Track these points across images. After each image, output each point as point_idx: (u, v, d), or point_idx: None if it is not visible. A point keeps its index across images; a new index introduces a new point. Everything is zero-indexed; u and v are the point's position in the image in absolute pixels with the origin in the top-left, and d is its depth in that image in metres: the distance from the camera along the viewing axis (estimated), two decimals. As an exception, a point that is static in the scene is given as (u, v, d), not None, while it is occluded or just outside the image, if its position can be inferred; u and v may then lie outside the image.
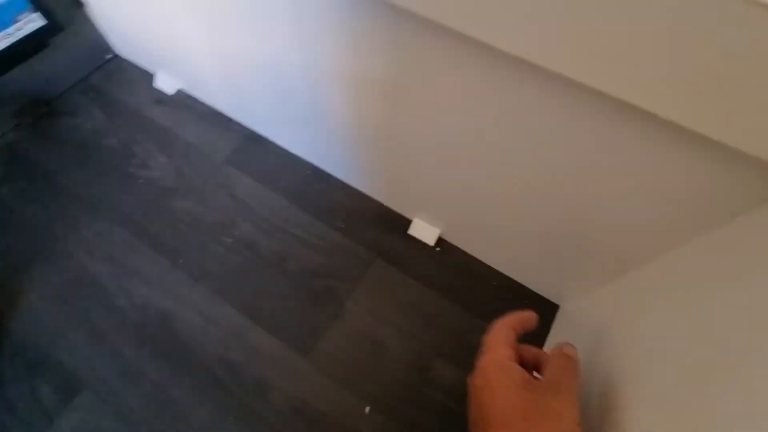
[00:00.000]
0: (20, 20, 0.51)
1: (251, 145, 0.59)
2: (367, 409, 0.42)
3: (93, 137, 0.59)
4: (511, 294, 0.48)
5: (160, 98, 0.63)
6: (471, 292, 0.48)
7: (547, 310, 0.47)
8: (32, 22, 0.52)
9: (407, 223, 0.52)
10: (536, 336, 0.38)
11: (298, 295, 0.48)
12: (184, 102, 0.62)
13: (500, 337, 0.27)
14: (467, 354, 0.31)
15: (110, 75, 0.65)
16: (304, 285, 0.49)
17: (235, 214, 0.53)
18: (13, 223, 0.52)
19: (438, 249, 0.51)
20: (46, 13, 0.52)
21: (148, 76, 0.65)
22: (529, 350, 0.28)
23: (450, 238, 0.51)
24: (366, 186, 0.54)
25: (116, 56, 0.67)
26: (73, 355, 0.44)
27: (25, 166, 0.56)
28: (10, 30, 0.50)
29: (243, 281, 0.49)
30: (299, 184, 0.55)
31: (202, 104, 0.62)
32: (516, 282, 0.49)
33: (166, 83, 0.63)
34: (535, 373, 0.27)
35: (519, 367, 0.26)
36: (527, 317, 0.29)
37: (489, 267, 0.50)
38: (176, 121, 0.61)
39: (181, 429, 0.41)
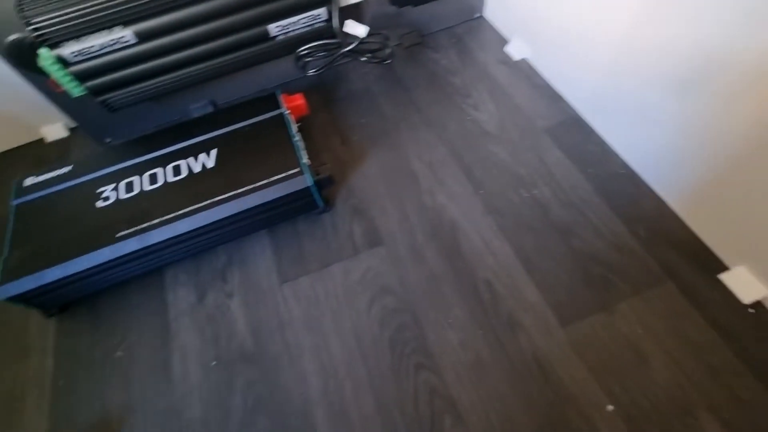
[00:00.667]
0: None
1: (572, 127, 0.61)
2: (610, 407, 0.41)
3: (444, 72, 0.71)
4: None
5: (506, 60, 0.71)
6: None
7: None
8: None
9: (722, 267, 0.47)
10: None
11: (573, 270, 0.49)
12: (524, 70, 0.69)
13: None
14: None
15: (472, 30, 0.77)
16: (581, 264, 0.50)
17: (538, 176, 0.57)
18: (376, 110, 0.68)
19: (752, 310, 0.44)
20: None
21: (501, 41, 0.74)
22: None
23: (771, 307, 0.44)
24: (684, 210, 0.51)
25: (481, 17, 0.78)
26: (383, 217, 0.56)
27: (393, 75, 0.72)
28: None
29: (527, 233, 0.53)
30: (608, 178, 0.56)
31: (540, 77, 0.68)
32: None
33: (515, 49, 0.71)
34: None
35: None
36: None
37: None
38: (513, 82, 0.68)
39: (439, 316, 0.48)
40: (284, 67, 0.70)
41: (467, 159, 0.60)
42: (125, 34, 0.51)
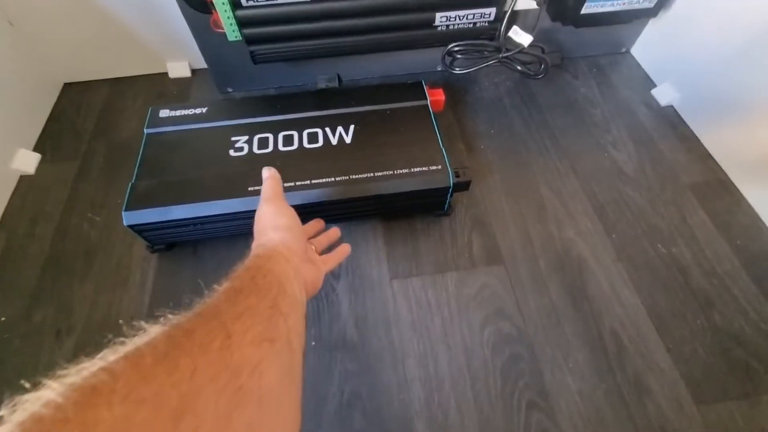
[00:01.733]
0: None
1: (720, 190, 0.57)
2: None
3: (582, 100, 0.68)
4: None
5: (650, 103, 0.67)
6: None
7: None
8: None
9: None
10: None
11: (711, 345, 0.45)
12: (670, 117, 0.65)
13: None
14: None
15: (616, 64, 0.73)
16: (720, 342, 0.45)
17: (678, 234, 0.53)
18: (506, 123, 0.65)
19: None
20: None
21: (646, 81, 0.70)
22: None
23: None
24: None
25: (628, 52, 0.75)
26: (504, 235, 0.53)
27: (526, 90, 0.69)
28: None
29: (661, 291, 0.49)
30: (759, 255, 0.51)
31: (688, 128, 0.63)
32: None
33: (663, 94, 0.67)
34: None
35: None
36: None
37: None
38: (657, 127, 0.64)
39: (557, 355, 0.45)
40: (422, 59, 0.68)
41: (601, 197, 0.56)
42: (304, -11, 0.50)
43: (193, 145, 0.52)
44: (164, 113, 0.54)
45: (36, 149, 0.62)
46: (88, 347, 0.46)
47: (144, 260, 0.52)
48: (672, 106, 0.66)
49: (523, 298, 0.49)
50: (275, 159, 0.50)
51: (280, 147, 0.51)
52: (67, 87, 0.71)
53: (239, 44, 0.56)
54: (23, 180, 0.59)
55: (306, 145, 0.51)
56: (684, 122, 0.64)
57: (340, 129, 0.53)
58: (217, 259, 0.52)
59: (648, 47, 0.71)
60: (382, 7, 0.53)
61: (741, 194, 0.56)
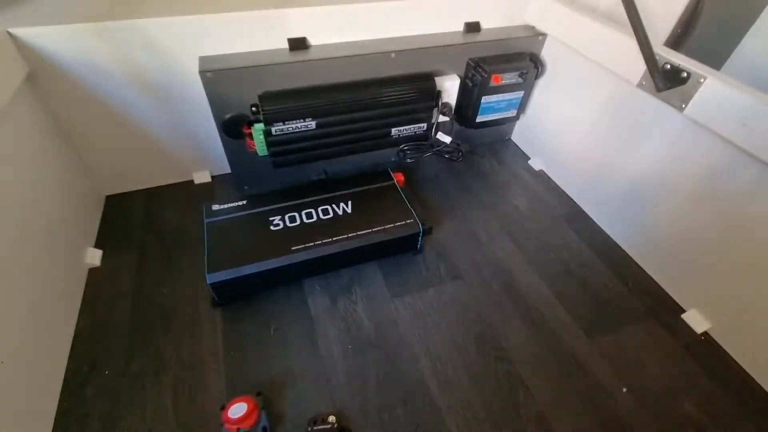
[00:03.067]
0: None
1: (578, 215, 0.92)
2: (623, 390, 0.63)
3: (488, 172, 1.03)
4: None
5: (529, 170, 1.05)
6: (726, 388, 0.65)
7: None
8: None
9: (681, 310, 0.74)
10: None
11: (586, 295, 0.74)
12: (543, 177, 1.02)
13: None
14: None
15: (504, 147, 1.12)
16: (593, 295, 0.75)
17: (561, 245, 0.85)
18: (444, 191, 0.97)
19: (702, 338, 0.70)
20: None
21: (525, 156, 1.09)
22: None
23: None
24: (657, 275, 0.79)
25: (510, 139, 1.15)
26: (458, 260, 0.81)
27: (452, 170, 1.03)
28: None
29: (557, 279, 0.78)
30: (600, 245, 0.84)
31: (554, 182, 1.01)
32: None
33: (535, 163, 1.05)
34: None
35: None
36: None
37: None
38: (536, 184, 1.00)
39: (506, 326, 0.70)
40: (380, 155, 1.00)
41: (513, 230, 0.88)
42: (311, 123, 0.79)
43: (244, 226, 0.74)
44: (216, 207, 0.77)
45: (97, 246, 0.79)
46: (183, 383, 0.61)
47: (210, 312, 0.70)
48: (543, 170, 1.04)
49: (478, 297, 0.75)
50: (303, 229, 0.74)
51: (305, 220, 0.76)
52: (108, 198, 0.90)
53: (258, 158, 0.82)
54: (92, 272, 0.75)
55: (322, 217, 0.77)
56: (551, 180, 1.02)
57: (342, 204, 0.79)
58: (267, 304, 0.72)
59: (519, 135, 1.12)
60: (359, 128, 0.84)
61: (588, 215, 0.92)
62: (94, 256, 0.77)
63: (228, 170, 0.91)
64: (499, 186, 0.99)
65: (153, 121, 0.84)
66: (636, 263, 0.82)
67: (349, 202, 0.80)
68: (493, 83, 0.88)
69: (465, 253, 0.83)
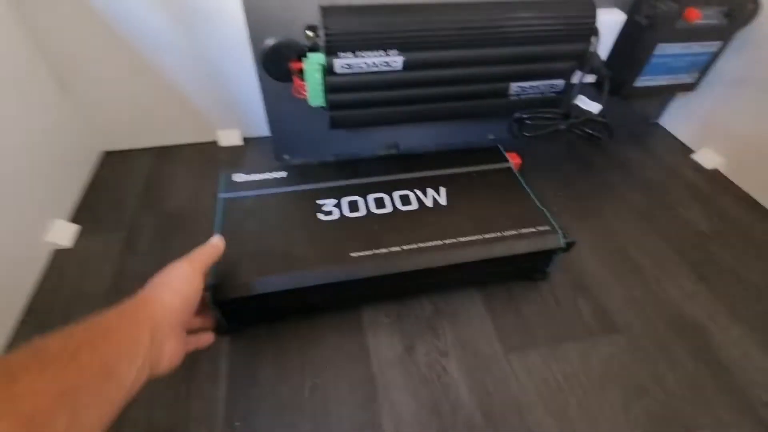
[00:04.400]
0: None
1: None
2: None
3: (636, 166, 0.70)
4: None
5: (697, 168, 0.70)
6: None
7: None
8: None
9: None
10: None
11: None
12: (720, 180, 0.68)
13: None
14: None
15: (648, 133, 0.78)
16: None
17: (779, 291, 0.52)
18: (571, 187, 0.65)
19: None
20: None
21: (683, 147, 0.75)
22: None
23: None
24: None
25: (656, 123, 0.80)
26: (609, 299, 0.50)
27: (581, 158, 0.71)
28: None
29: None
30: None
31: (740, 189, 0.66)
32: None
33: (705, 158, 0.71)
34: None
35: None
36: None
37: None
38: (711, 189, 0.66)
39: (720, 436, 0.39)
40: (475, 129, 0.70)
41: (691, 256, 0.55)
42: (397, 59, 0.50)
43: (276, 210, 0.47)
44: (239, 177, 0.50)
45: (73, 221, 0.55)
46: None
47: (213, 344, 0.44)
48: (718, 170, 0.70)
49: (656, 370, 0.44)
50: (371, 223, 0.46)
51: (373, 209, 0.48)
52: (107, 156, 0.66)
53: (308, 112, 0.55)
54: (58, 255, 0.51)
55: (400, 207, 0.48)
56: (734, 184, 0.67)
57: (430, 191, 0.50)
58: (301, 341, 0.45)
59: (679, 118, 0.77)
60: (467, 76, 0.54)
61: (817, 249, 0.57)
62: (63, 233, 0.53)
63: (266, 132, 0.64)
64: (653, 187, 0.66)
65: (167, 52, 0.59)
66: None
67: (442, 190, 0.51)
68: (684, 21, 0.55)
69: (618, 286, 0.51)
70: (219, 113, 0.68)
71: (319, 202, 0.48)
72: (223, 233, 0.43)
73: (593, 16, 0.54)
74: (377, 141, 0.67)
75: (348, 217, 0.47)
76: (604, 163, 0.71)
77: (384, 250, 0.43)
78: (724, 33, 0.59)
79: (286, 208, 0.48)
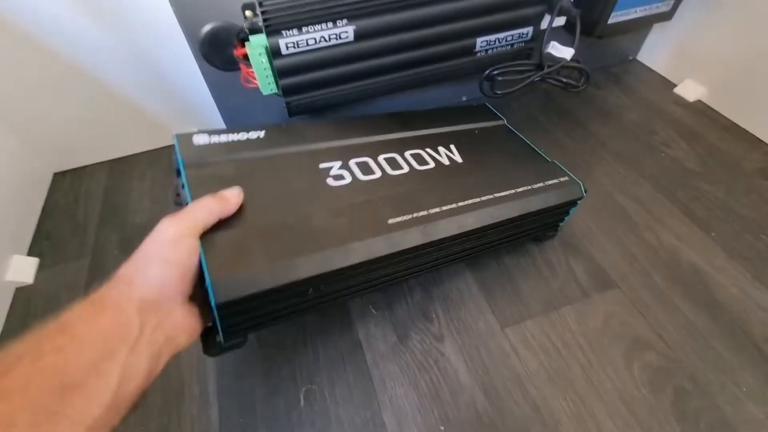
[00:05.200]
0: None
1: (786, 170, 0.56)
2: None
3: (616, 108, 0.67)
4: None
5: (679, 101, 0.67)
6: None
7: None
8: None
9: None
10: None
11: None
12: (704, 111, 0.65)
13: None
14: None
15: (629, 71, 0.74)
16: None
17: (773, 221, 0.50)
18: (553, 141, 0.62)
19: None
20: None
21: (664, 81, 0.71)
22: None
23: None
24: None
25: (635, 59, 0.76)
26: (603, 255, 0.48)
27: (556, 107, 0.68)
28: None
29: (790, 285, 0.45)
30: None
31: (725, 118, 0.64)
32: None
33: (688, 90, 0.67)
34: None
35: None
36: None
37: None
38: (697, 122, 0.63)
39: (726, 381, 0.38)
40: (445, 92, 0.66)
41: (680, 196, 0.53)
42: (347, 29, 0.46)
43: (270, 178, 0.37)
44: (200, 139, 0.38)
45: (31, 253, 0.52)
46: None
47: (200, 365, 0.42)
48: (701, 101, 0.67)
49: (656, 322, 0.43)
50: (391, 185, 0.39)
51: (388, 171, 0.41)
52: (58, 177, 0.62)
53: (265, 100, 0.50)
54: (21, 293, 0.48)
55: (417, 167, 0.42)
56: (720, 114, 0.64)
57: (442, 149, 0.46)
58: (288, 345, 0.43)
59: (657, 51, 0.73)
60: (427, 38, 0.50)
61: (808, 171, 0.56)
62: (23, 270, 0.49)
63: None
64: (638, 128, 0.63)
65: (97, 57, 0.53)
66: None
67: (452, 147, 0.47)
68: (653, -56, 0.50)
69: (611, 242, 0.50)
70: (172, 114, 0.63)
71: (321, 165, 0.40)
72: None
73: (554, -48, 0.49)
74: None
75: (363, 181, 0.39)
76: (585, 110, 0.67)
77: (424, 213, 0.36)
78: (697, -48, 0.55)
79: (283, 174, 0.38)
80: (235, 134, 0.40)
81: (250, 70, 0.47)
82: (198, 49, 0.48)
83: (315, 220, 0.33)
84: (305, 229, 0.33)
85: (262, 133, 0.41)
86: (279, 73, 0.47)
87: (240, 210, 0.32)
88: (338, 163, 0.40)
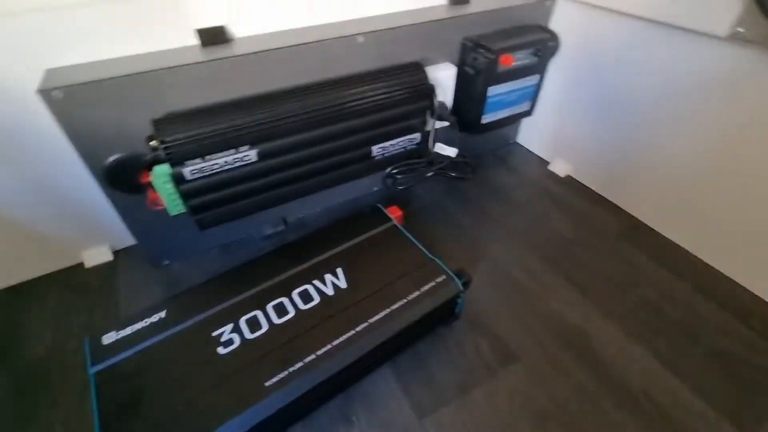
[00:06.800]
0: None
1: (638, 232, 0.67)
2: None
3: (504, 187, 0.78)
4: None
5: (553, 177, 0.80)
6: None
7: None
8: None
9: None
10: None
11: (723, 371, 0.49)
12: (573, 185, 0.78)
13: None
14: None
15: (511, 153, 0.87)
16: (729, 365, 0.49)
17: (636, 278, 0.60)
18: (453, 222, 0.70)
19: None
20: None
21: (540, 161, 0.84)
22: None
23: None
24: None
25: (515, 142, 0.90)
26: (503, 328, 0.53)
27: (457, 191, 0.77)
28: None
29: (655, 335, 0.52)
30: (699, 271, 0.60)
31: (590, 190, 0.76)
32: None
33: (559, 168, 0.80)
34: None
35: None
36: None
37: None
38: (568, 195, 0.75)
39: (614, 438, 0.43)
40: (358, 185, 0.72)
41: (562, 264, 0.62)
42: (249, 153, 0.50)
43: (165, 363, 0.42)
44: (109, 339, 0.44)
45: None
46: None
47: None
48: (570, 176, 0.80)
49: (553, 390, 0.47)
50: (277, 336, 0.44)
51: (275, 320, 0.45)
52: (-63, 316, 0.56)
53: (178, 216, 0.52)
54: None
55: (303, 306, 0.46)
56: (586, 186, 0.77)
57: (328, 277, 0.50)
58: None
59: (528, 136, 0.87)
60: (326, 151, 0.56)
61: (657, 231, 0.68)
62: None
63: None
64: (522, 204, 0.74)
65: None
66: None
67: (339, 271, 0.50)
68: (502, 66, 0.63)
69: (509, 313, 0.55)
70: (77, 232, 0.61)
71: (214, 333, 0.44)
72: (104, 415, 0.38)
73: (424, 75, 0.59)
74: (262, 218, 0.65)
75: (251, 339, 0.44)
76: (479, 191, 0.77)
77: (299, 364, 0.41)
78: (538, 68, 0.69)
79: (177, 356, 0.43)
80: (140, 323, 0.46)
81: (155, 194, 0.49)
82: (103, 176, 0.49)
83: (200, 399, 0.39)
84: (190, 413, 0.38)
85: (163, 314, 0.47)
86: (185, 197, 0.49)
87: (138, 403, 0.39)
88: (229, 327, 0.45)
